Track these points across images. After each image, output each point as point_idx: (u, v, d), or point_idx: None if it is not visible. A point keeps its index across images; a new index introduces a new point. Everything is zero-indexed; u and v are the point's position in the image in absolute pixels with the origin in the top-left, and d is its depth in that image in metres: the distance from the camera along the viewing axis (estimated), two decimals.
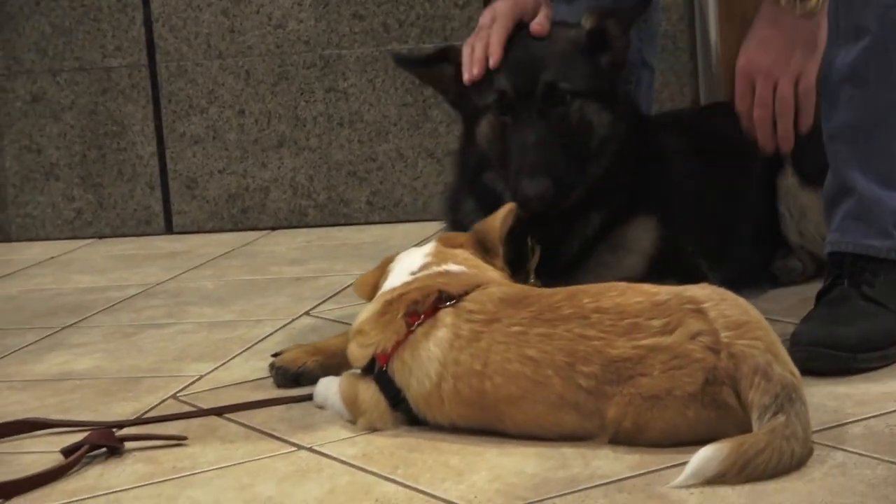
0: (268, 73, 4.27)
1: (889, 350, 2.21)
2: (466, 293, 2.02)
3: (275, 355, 2.44)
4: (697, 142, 2.72)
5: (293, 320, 2.95)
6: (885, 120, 2.30)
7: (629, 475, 1.78)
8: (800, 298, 2.63)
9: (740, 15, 2.51)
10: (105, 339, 2.94)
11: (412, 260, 2.16)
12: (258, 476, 1.95)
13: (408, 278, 2.11)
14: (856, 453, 1.80)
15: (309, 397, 2.25)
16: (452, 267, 2.12)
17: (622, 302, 1.90)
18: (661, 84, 3.64)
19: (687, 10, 3.76)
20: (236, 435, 2.16)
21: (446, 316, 2.00)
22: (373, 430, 2.06)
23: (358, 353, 2.10)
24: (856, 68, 2.30)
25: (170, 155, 4.36)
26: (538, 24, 2.49)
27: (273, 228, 4.30)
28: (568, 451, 1.88)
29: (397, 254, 2.22)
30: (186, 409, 2.32)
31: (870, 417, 1.95)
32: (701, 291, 1.89)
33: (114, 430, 2.16)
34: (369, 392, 2.06)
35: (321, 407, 2.21)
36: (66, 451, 2.06)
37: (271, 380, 2.40)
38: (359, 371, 2.11)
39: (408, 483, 1.85)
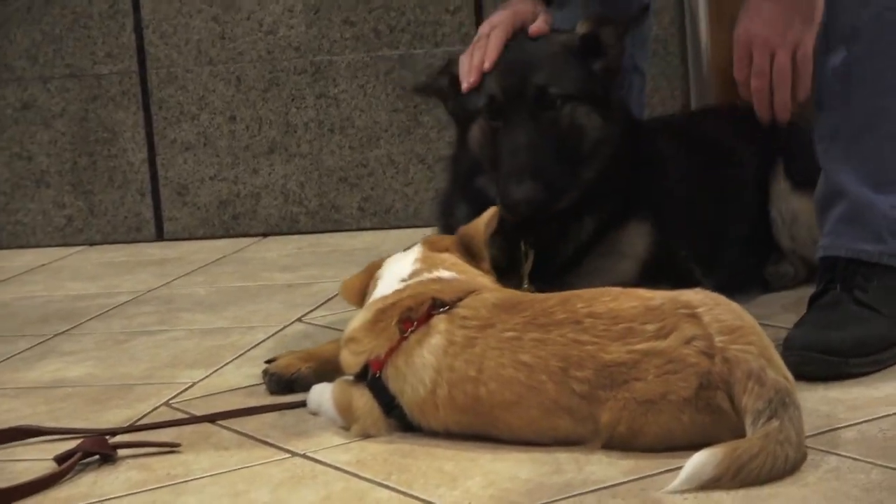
0: (259, 80, 4.27)
1: (882, 355, 2.21)
2: (460, 300, 2.02)
3: (268, 362, 2.44)
4: (689, 146, 2.72)
5: (285, 327, 2.95)
6: (876, 123, 2.30)
7: (623, 480, 1.78)
8: (792, 303, 2.64)
9: (731, 19, 2.51)
10: (97, 346, 2.93)
11: (401, 266, 2.15)
12: (252, 483, 1.95)
13: (399, 286, 2.11)
14: (849, 458, 1.81)
15: (302, 404, 2.25)
16: (444, 273, 2.12)
17: (616, 307, 1.90)
18: (652, 88, 3.64)
19: (678, 15, 3.77)
20: (230, 442, 2.15)
21: (440, 322, 2.00)
22: (366, 436, 2.06)
23: (351, 360, 2.10)
24: (848, 70, 2.30)
25: (161, 161, 4.36)
26: (536, 27, 2.50)
27: (264, 235, 4.29)
28: (562, 457, 1.88)
29: (383, 258, 2.21)
30: (179, 416, 2.32)
31: (863, 422, 1.95)
32: (695, 296, 1.89)
33: (107, 437, 2.16)
34: (363, 399, 2.06)
35: (315, 413, 2.20)
36: (59, 459, 2.06)
37: (264, 386, 2.40)
38: (352, 378, 2.11)
39: (402, 489, 1.85)
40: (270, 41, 4.25)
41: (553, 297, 1.98)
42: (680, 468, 1.72)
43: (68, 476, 2.03)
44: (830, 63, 2.32)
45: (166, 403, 2.42)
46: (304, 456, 2.04)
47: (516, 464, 1.88)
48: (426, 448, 1.99)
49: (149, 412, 2.37)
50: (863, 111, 2.30)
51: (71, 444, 2.10)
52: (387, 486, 1.86)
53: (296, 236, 4.23)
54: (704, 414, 1.81)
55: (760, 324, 1.89)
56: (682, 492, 1.70)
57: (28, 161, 4.44)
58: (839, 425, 1.94)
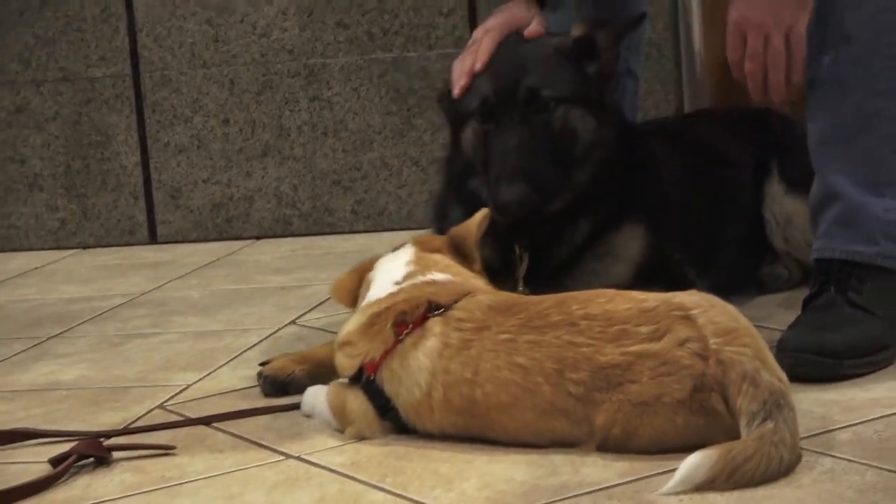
0: (252, 83, 4.27)
1: (876, 356, 2.21)
2: (455, 302, 2.02)
3: (262, 364, 2.44)
4: (683, 149, 2.73)
5: (279, 329, 2.95)
6: (870, 125, 2.30)
7: (618, 482, 1.78)
8: (786, 305, 2.64)
9: (724, 23, 2.51)
10: (91, 349, 2.93)
11: (394, 268, 2.15)
12: (247, 485, 1.94)
13: (393, 289, 2.11)
14: (844, 459, 1.81)
15: (296, 406, 2.24)
16: (438, 276, 2.12)
17: (611, 309, 1.90)
18: (645, 92, 3.65)
19: (671, 19, 3.77)
20: (224, 444, 2.15)
21: (435, 325, 2.00)
22: (361, 438, 2.06)
23: (345, 363, 2.10)
24: (842, 73, 2.30)
25: (154, 165, 4.35)
26: (532, 30, 2.50)
27: (258, 238, 4.29)
28: (557, 459, 1.88)
29: (374, 259, 2.21)
30: (174, 418, 2.32)
31: (857, 423, 1.95)
32: (689, 298, 1.89)
33: (101, 439, 2.15)
34: (357, 401, 2.06)
35: (309, 416, 2.20)
36: (54, 461, 2.06)
37: (258, 389, 2.40)
38: (346, 380, 2.10)
39: (397, 491, 1.84)
40: (264, 44, 4.25)
41: (548, 300, 1.98)
42: (674, 470, 1.72)
43: (63, 479, 2.03)
44: (824, 65, 2.32)
45: (161, 406, 2.42)
46: (299, 458, 2.03)
47: (512, 466, 1.88)
48: (421, 450, 1.99)
49: (143, 415, 2.37)
50: (857, 113, 2.30)
51: (66, 447, 2.10)
52: (382, 489, 1.86)
53: (289, 239, 4.23)
54: (699, 416, 1.81)
55: (755, 325, 1.89)
56: (677, 493, 1.70)
57: (21, 164, 4.44)
58: (834, 427, 1.94)
